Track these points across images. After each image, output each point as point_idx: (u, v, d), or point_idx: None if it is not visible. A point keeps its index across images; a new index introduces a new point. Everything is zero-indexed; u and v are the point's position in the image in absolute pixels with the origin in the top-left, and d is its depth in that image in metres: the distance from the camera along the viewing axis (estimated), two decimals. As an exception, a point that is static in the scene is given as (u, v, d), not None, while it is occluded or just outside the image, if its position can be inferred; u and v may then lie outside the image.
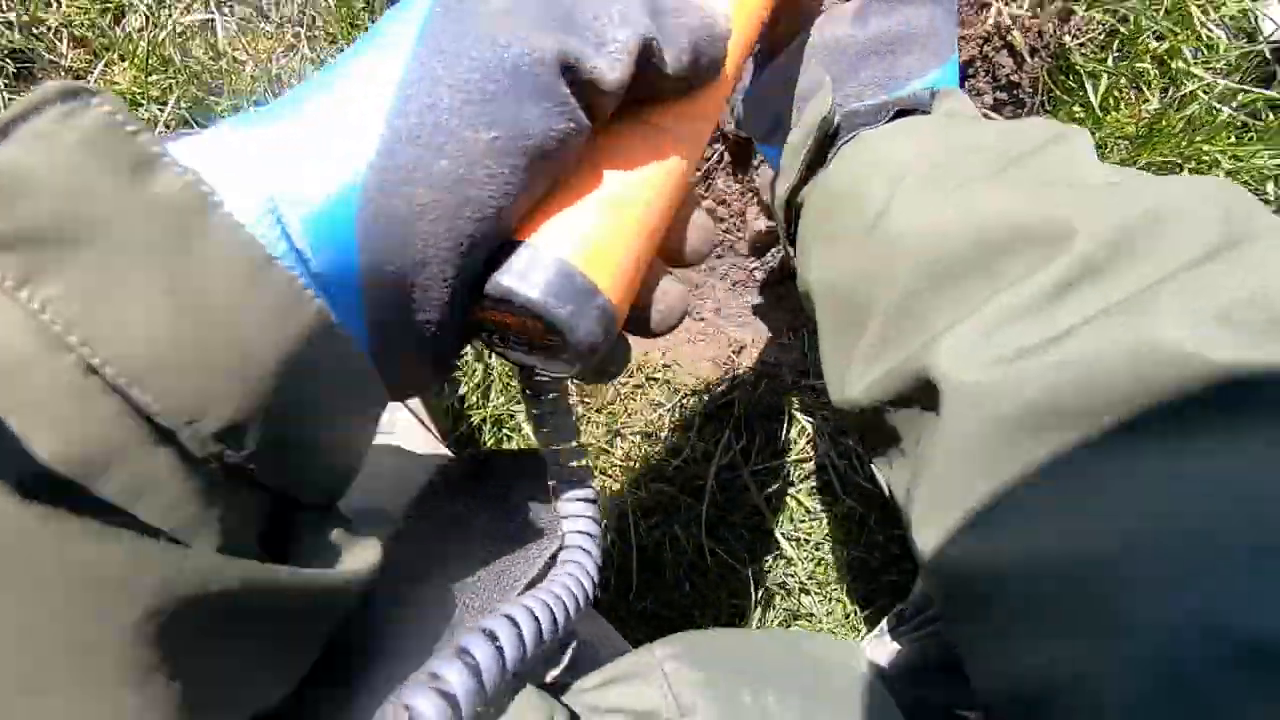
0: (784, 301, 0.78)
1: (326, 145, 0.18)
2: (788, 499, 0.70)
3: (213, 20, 0.66)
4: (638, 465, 0.70)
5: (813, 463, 0.70)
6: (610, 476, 0.71)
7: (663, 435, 0.70)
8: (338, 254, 0.18)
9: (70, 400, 0.15)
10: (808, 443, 0.70)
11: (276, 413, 0.17)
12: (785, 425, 0.70)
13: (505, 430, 0.71)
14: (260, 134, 0.18)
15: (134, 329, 0.15)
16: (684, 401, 0.70)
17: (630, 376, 0.70)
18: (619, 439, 0.71)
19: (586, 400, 0.70)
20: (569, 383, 0.29)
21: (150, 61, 0.65)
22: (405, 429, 0.57)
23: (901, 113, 0.34)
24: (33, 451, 0.14)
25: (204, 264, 0.16)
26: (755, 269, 0.85)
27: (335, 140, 0.18)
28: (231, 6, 0.66)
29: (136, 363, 0.15)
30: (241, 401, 0.16)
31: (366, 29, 0.62)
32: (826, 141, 0.35)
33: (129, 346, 0.15)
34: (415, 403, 0.61)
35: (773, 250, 0.84)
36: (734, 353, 0.71)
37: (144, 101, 0.65)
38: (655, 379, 0.71)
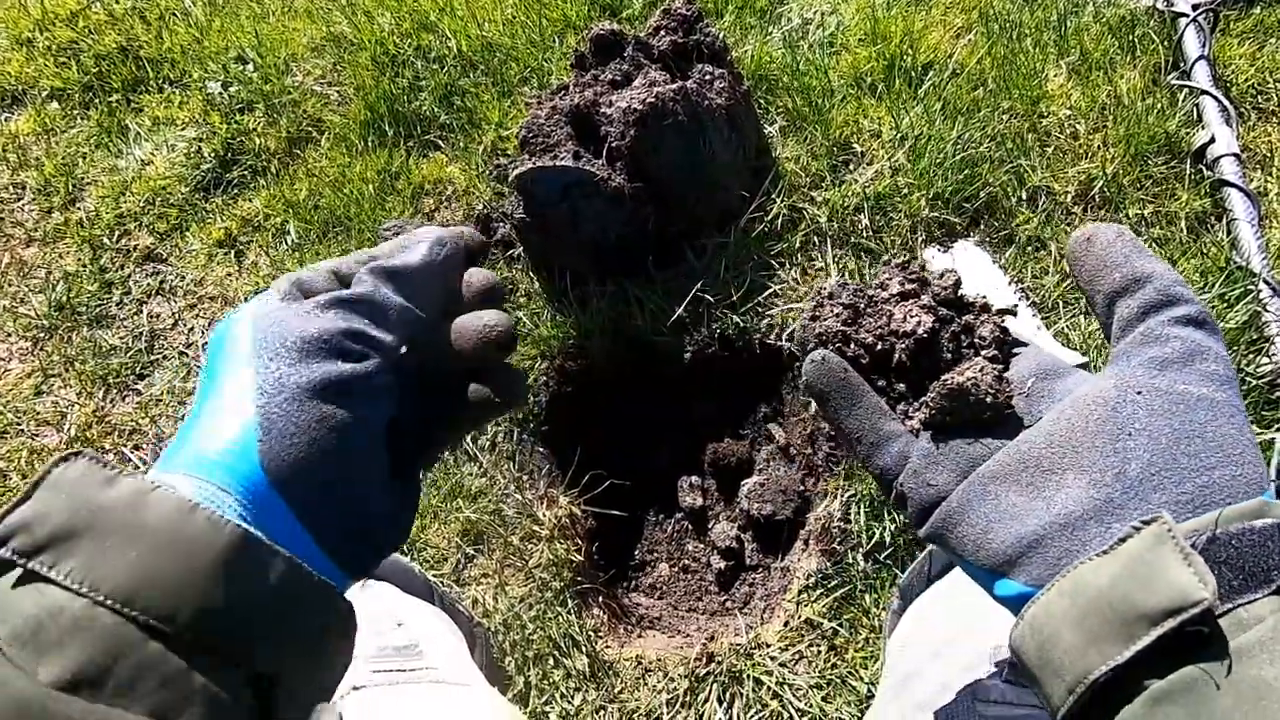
0: (740, 616, 1.06)
1: (221, 420, 0.30)
2: (768, 747, 0.87)
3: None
4: (647, 741, 0.89)
5: (771, 711, 0.89)
6: (627, 755, 0.88)
7: (662, 715, 0.91)
8: (251, 479, 0.28)
9: (82, 627, 0.24)
10: (772, 698, 0.90)
11: (236, 606, 0.25)
12: (752, 688, 0.91)
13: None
14: (180, 449, 0.30)
15: (119, 571, 0.25)
16: (675, 684, 0.93)
17: (635, 669, 0.95)
18: (631, 724, 0.91)
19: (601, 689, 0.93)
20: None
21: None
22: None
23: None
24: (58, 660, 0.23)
25: (153, 521, 0.26)
26: (725, 600, 1.16)
27: (227, 415, 0.29)
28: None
29: (122, 591, 0.25)
30: (201, 599, 0.25)
31: (457, 473, 1.08)
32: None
33: (117, 582, 0.25)
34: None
35: (735, 583, 1.16)
36: (706, 642, 0.97)
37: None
38: (651, 670, 0.95)
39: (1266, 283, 1.05)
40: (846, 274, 1.19)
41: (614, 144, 1.14)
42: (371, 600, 0.77)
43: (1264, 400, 0.98)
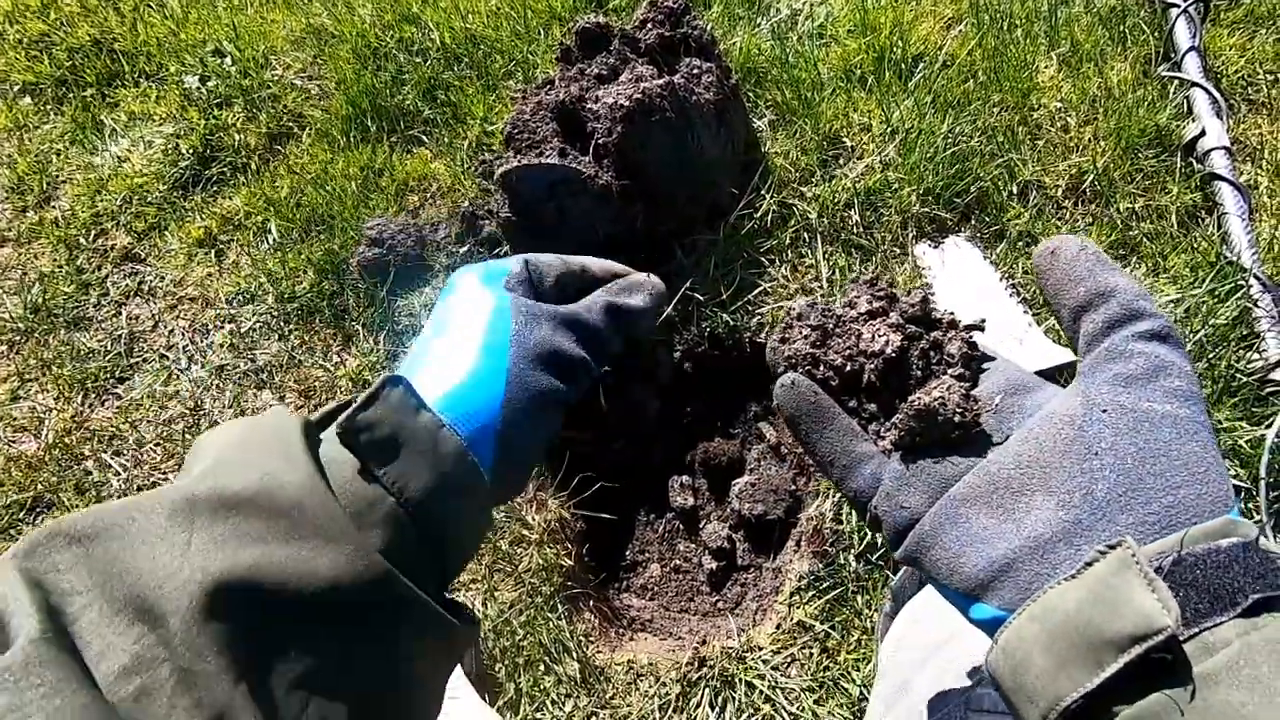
0: (732, 618, 1.06)
1: (478, 364, 0.38)
2: (761, 752, 0.86)
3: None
4: (639, 747, 0.88)
5: (763, 715, 0.88)
6: (619, 762, 0.88)
7: (655, 716, 0.90)
8: (488, 415, 0.37)
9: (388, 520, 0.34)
10: (764, 701, 0.90)
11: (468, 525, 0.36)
12: (744, 692, 0.91)
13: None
14: (429, 366, 0.39)
15: (418, 489, 0.34)
16: (667, 689, 0.92)
17: (626, 674, 0.94)
18: (622, 730, 0.90)
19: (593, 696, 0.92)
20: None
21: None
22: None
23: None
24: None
25: (443, 453, 0.35)
26: (717, 600, 1.15)
27: (481, 361, 0.38)
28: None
29: (416, 502, 0.34)
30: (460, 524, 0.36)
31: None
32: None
33: (416, 497, 0.34)
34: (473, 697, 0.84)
35: (726, 584, 1.15)
36: (698, 646, 0.97)
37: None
38: (643, 675, 0.94)
39: (1257, 278, 1.04)
40: (837, 270, 1.18)
41: (601, 141, 1.12)
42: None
43: (1254, 397, 0.98)
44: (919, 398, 0.36)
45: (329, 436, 0.35)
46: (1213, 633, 0.26)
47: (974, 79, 1.34)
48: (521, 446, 0.38)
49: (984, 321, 0.42)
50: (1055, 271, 0.37)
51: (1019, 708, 0.29)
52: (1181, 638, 0.26)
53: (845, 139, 1.31)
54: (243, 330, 1.32)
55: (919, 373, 0.38)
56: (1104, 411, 0.32)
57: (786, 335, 0.40)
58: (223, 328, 1.34)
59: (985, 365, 0.39)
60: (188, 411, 1.25)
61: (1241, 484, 0.93)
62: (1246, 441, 0.94)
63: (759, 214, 1.21)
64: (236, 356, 1.30)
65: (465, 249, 1.31)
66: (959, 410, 0.35)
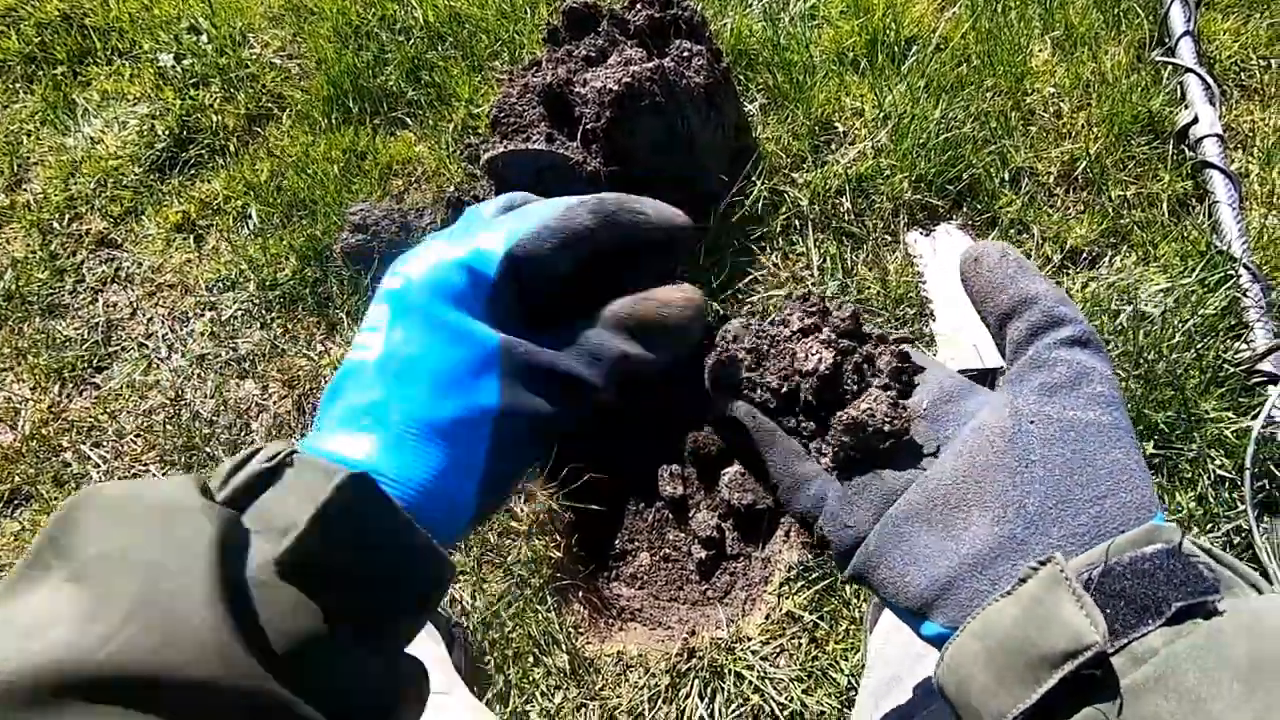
0: (724, 606, 1.06)
1: (467, 384, 0.33)
2: (750, 742, 0.87)
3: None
4: (629, 738, 0.88)
5: (752, 705, 0.89)
6: (609, 753, 0.88)
7: (644, 712, 0.90)
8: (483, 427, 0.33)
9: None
10: (754, 692, 0.90)
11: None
12: (734, 683, 0.91)
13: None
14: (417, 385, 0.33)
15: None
16: (656, 680, 0.93)
17: (615, 666, 0.94)
18: (612, 721, 0.90)
19: (582, 687, 0.92)
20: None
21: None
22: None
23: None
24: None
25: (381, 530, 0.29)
26: (706, 589, 1.15)
27: (477, 383, 0.33)
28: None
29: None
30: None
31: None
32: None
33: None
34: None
35: (716, 572, 1.15)
36: (687, 637, 0.97)
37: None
38: (632, 666, 0.94)
39: (1246, 267, 1.04)
40: (828, 258, 1.17)
41: (589, 126, 1.09)
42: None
43: (1241, 387, 0.98)
44: (846, 412, 0.37)
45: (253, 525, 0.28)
46: (1140, 643, 0.27)
47: (967, 63, 1.32)
48: (500, 497, 0.36)
49: (914, 336, 0.42)
50: (979, 279, 0.37)
51: None
52: (1110, 651, 0.27)
53: (837, 124, 1.29)
54: (224, 318, 1.30)
55: (854, 388, 0.39)
56: (1031, 422, 0.33)
57: (721, 359, 0.40)
58: (203, 315, 1.32)
59: (918, 378, 0.39)
60: (168, 402, 1.23)
61: (1227, 474, 0.94)
62: (1233, 432, 0.95)
63: (749, 201, 1.20)
64: (218, 345, 1.27)
65: (451, 235, 1.29)
66: (887, 419, 0.36)
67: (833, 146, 1.28)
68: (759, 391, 0.40)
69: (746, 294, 1.16)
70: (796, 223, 1.20)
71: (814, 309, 0.42)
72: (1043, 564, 0.29)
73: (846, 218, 1.20)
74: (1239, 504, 0.93)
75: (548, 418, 0.35)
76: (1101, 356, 0.34)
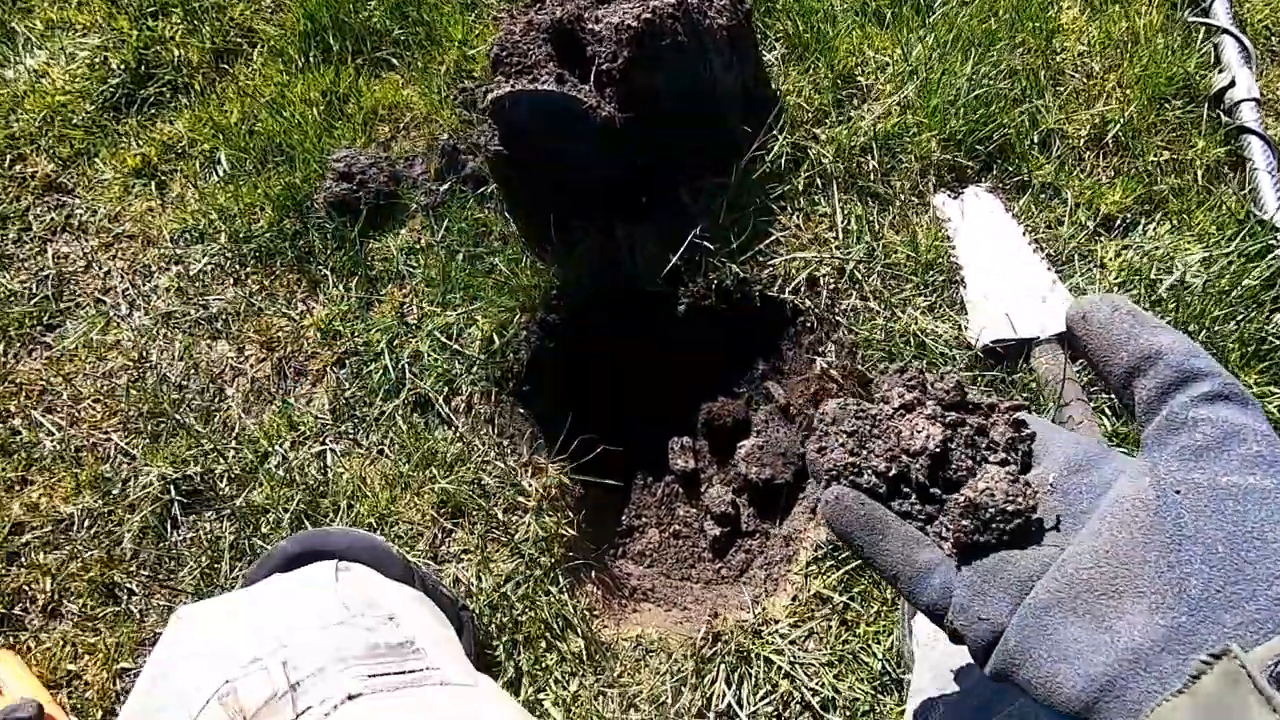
0: (739, 586, 1.00)
1: None
2: (782, 731, 0.82)
3: (324, 450, 1.01)
4: (652, 728, 0.83)
5: (782, 691, 0.84)
6: (630, 744, 0.82)
7: (665, 698, 0.85)
8: None
9: None
10: (783, 677, 0.85)
11: None
12: (762, 668, 0.86)
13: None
14: None
15: None
16: (680, 666, 0.87)
17: (635, 650, 0.88)
18: (633, 710, 0.85)
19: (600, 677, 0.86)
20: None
21: (282, 482, 0.97)
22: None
23: None
24: None
25: None
26: (720, 567, 1.10)
27: None
28: (336, 439, 1.02)
29: None
30: None
31: (429, 439, 0.97)
32: None
33: None
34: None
35: (730, 550, 1.09)
36: (710, 620, 0.91)
37: (274, 508, 0.95)
38: (653, 651, 0.88)
39: (1288, 237, 1.00)
40: (853, 219, 1.10)
41: (604, 67, 1.00)
42: (351, 588, 0.67)
43: (1283, 361, 0.95)
44: (963, 493, 0.34)
45: None
46: None
47: (995, 16, 1.25)
48: None
49: (975, 380, 0.38)
50: (1093, 339, 0.34)
51: None
52: None
53: (860, 77, 1.22)
54: (192, 273, 1.18)
55: (969, 463, 0.37)
56: (1178, 492, 0.29)
57: (823, 445, 0.38)
58: (168, 270, 1.20)
59: (1037, 445, 0.37)
60: (131, 364, 1.12)
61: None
62: (1277, 407, 0.92)
63: (771, 156, 1.12)
64: (186, 303, 1.16)
65: (446, 186, 1.19)
66: (1009, 499, 0.33)
67: (856, 101, 1.20)
68: (866, 476, 0.37)
69: (768, 256, 1.09)
70: (819, 181, 1.13)
71: (914, 382, 0.40)
72: (1217, 657, 0.25)
73: (872, 177, 1.13)
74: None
75: None
76: (1251, 411, 0.31)
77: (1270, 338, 0.96)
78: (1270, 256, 1.00)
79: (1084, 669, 0.29)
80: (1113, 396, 0.35)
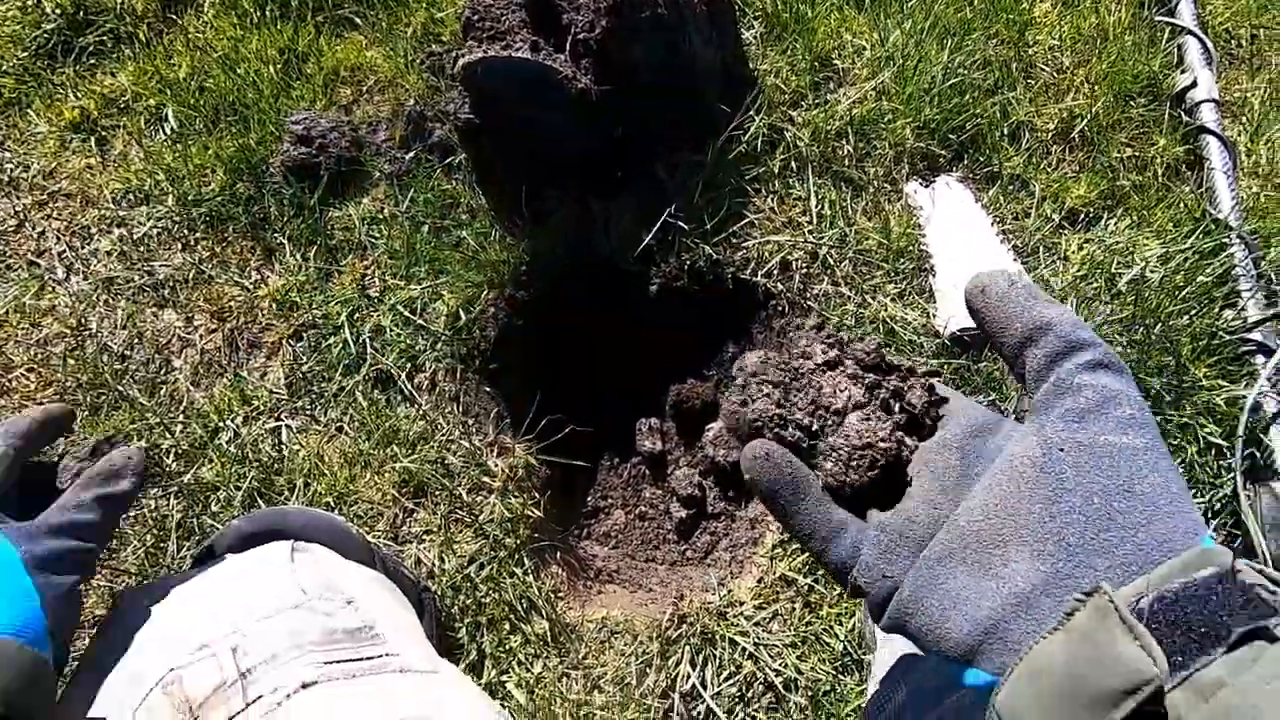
0: (704, 568, 1.00)
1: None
2: (740, 712, 0.82)
3: (279, 426, 0.97)
4: (615, 709, 0.82)
5: (746, 672, 0.84)
6: (594, 726, 0.82)
7: (630, 679, 0.84)
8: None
9: None
10: (747, 659, 0.86)
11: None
12: (726, 649, 0.86)
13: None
14: None
15: None
16: (645, 647, 0.87)
17: (599, 632, 0.87)
18: (598, 691, 0.84)
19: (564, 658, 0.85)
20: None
21: (233, 459, 0.93)
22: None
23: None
24: None
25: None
26: (686, 549, 1.09)
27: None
28: (292, 415, 0.98)
29: None
30: None
31: (390, 417, 0.94)
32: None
33: None
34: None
35: (695, 532, 1.09)
36: (676, 602, 0.91)
37: (225, 486, 0.91)
38: (618, 633, 0.88)
39: (1240, 237, 1.04)
40: (826, 204, 1.10)
41: (580, 36, 0.96)
42: (308, 570, 0.64)
43: (1232, 355, 0.98)
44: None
45: None
46: (1203, 674, 0.25)
47: (971, 6, 1.26)
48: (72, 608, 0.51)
49: (942, 367, 0.40)
50: (990, 310, 0.36)
51: None
52: (1171, 685, 0.25)
53: (837, 61, 1.21)
54: (136, 237, 1.11)
55: (886, 424, 0.38)
56: (1062, 450, 0.32)
57: (747, 396, 0.38)
58: (110, 232, 1.13)
59: (945, 409, 0.39)
60: (68, 331, 1.05)
61: (1214, 441, 0.94)
62: (1224, 399, 0.95)
63: (747, 137, 1.11)
64: (129, 268, 1.09)
65: (411, 155, 1.14)
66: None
67: (832, 85, 1.19)
68: (790, 429, 0.37)
69: (741, 238, 1.08)
70: (795, 165, 1.12)
71: (833, 340, 0.40)
72: (1089, 595, 0.27)
73: (847, 162, 1.13)
74: (1224, 472, 0.93)
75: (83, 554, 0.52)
76: (1126, 379, 0.34)
77: (1221, 333, 0.99)
78: (1223, 254, 1.03)
79: (971, 614, 0.31)
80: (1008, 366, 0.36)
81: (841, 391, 0.38)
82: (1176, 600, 0.26)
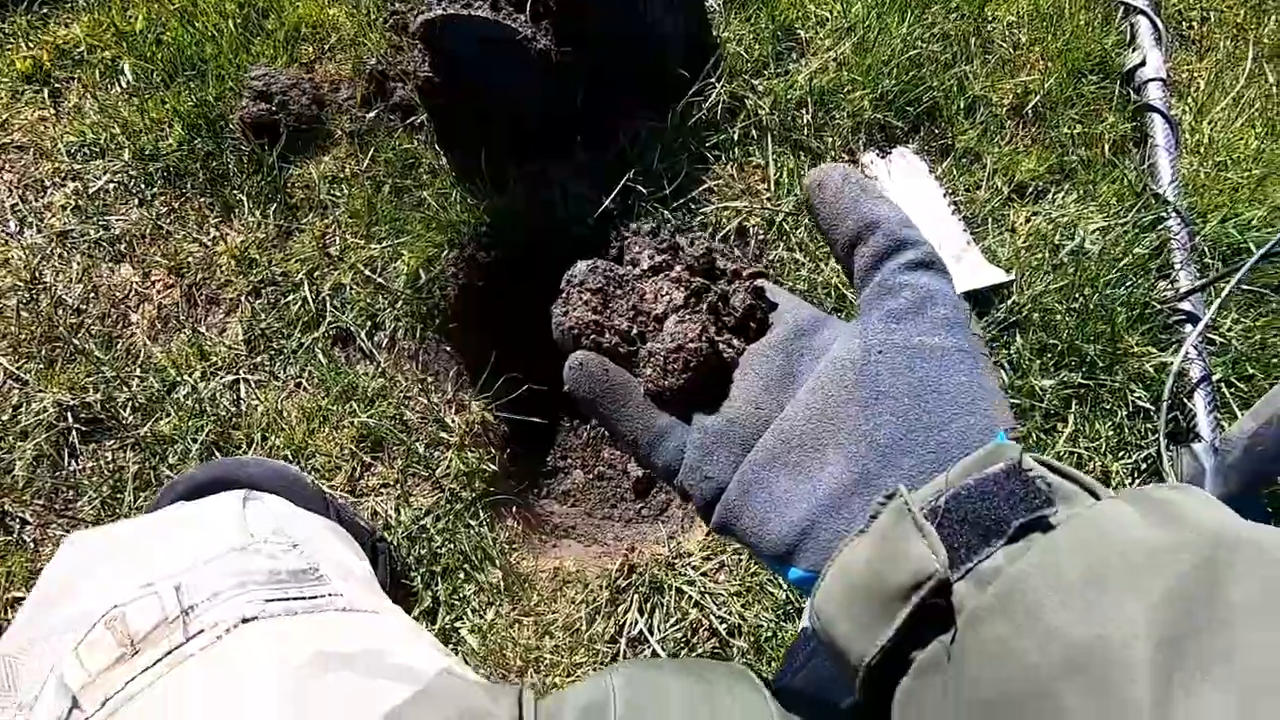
0: (658, 524, 1.04)
1: None
2: (685, 655, 0.86)
3: (237, 380, 0.98)
4: (564, 652, 0.86)
5: (691, 619, 0.88)
6: (543, 668, 0.85)
7: (580, 625, 0.88)
8: None
9: None
10: (693, 606, 0.89)
11: None
12: (673, 598, 0.90)
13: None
14: None
15: None
16: (595, 595, 0.90)
17: (552, 581, 0.90)
18: (548, 636, 0.87)
19: (517, 605, 0.88)
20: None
21: (191, 412, 0.93)
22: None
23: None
24: None
25: None
26: (641, 507, 1.13)
27: None
28: (251, 370, 0.99)
29: None
30: None
31: (349, 374, 0.95)
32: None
33: None
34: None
35: (652, 490, 1.12)
36: (627, 553, 0.94)
37: (182, 439, 0.92)
38: (570, 582, 0.91)
39: (1177, 212, 1.08)
40: (785, 172, 1.12)
41: (541, -4, 0.97)
42: (258, 517, 0.66)
43: (1163, 324, 1.03)
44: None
45: None
46: (985, 566, 0.26)
47: (933, -20, 1.27)
48: None
49: (767, 268, 0.40)
50: (824, 206, 0.35)
51: (838, 664, 0.30)
52: (955, 577, 0.26)
53: (800, 30, 1.22)
54: (91, 191, 1.10)
55: (712, 329, 0.37)
56: (880, 352, 0.32)
57: (569, 306, 0.37)
58: (64, 185, 1.11)
59: (774, 314, 0.38)
60: (22, 284, 1.04)
61: (1143, 405, 0.99)
62: (1153, 366, 1.00)
63: (708, 104, 1.12)
64: (84, 222, 1.08)
65: (373, 114, 1.14)
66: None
67: (795, 55, 1.21)
68: (608, 336, 0.36)
69: (700, 204, 1.10)
70: (755, 133, 1.14)
71: (665, 245, 0.39)
72: (890, 497, 0.28)
73: (806, 131, 1.15)
74: (1151, 434, 0.98)
75: None
76: (945, 278, 0.34)
77: (1153, 303, 1.03)
78: (1160, 228, 1.07)
79: (789, 515, 0.32)
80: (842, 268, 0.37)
81: (663, 296, 0.37)
82: (968, 497, 0.27)
